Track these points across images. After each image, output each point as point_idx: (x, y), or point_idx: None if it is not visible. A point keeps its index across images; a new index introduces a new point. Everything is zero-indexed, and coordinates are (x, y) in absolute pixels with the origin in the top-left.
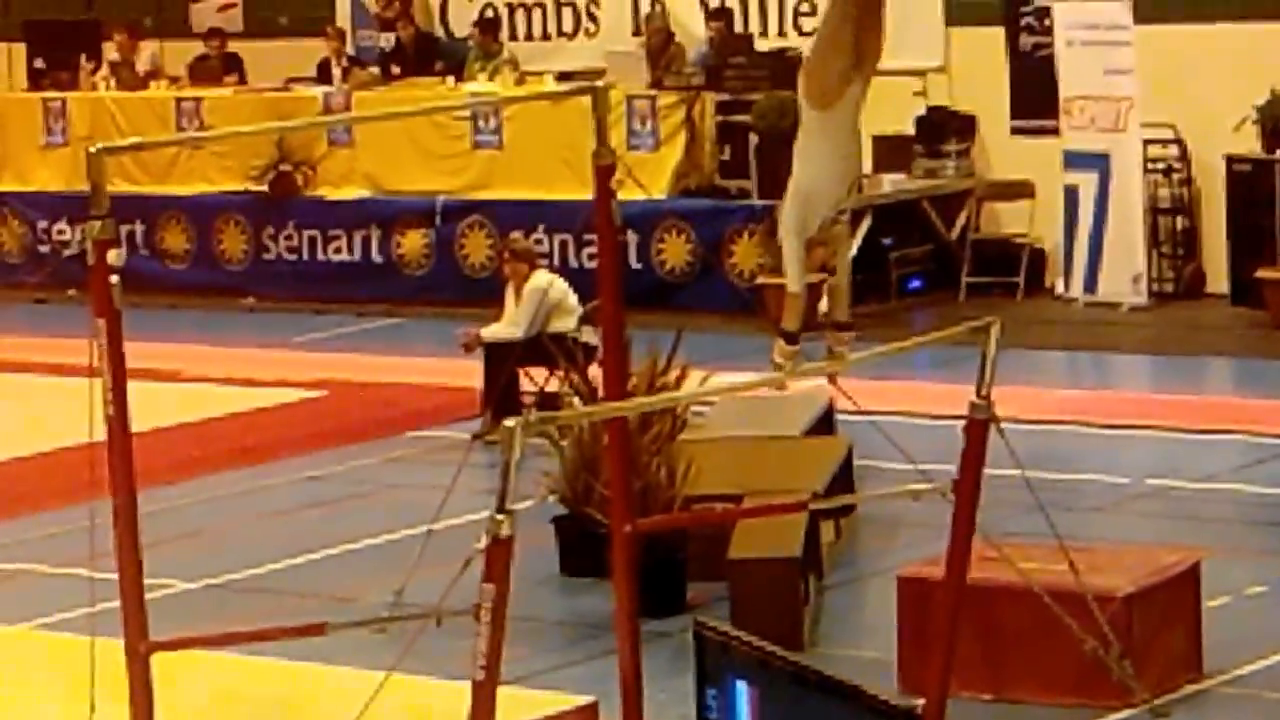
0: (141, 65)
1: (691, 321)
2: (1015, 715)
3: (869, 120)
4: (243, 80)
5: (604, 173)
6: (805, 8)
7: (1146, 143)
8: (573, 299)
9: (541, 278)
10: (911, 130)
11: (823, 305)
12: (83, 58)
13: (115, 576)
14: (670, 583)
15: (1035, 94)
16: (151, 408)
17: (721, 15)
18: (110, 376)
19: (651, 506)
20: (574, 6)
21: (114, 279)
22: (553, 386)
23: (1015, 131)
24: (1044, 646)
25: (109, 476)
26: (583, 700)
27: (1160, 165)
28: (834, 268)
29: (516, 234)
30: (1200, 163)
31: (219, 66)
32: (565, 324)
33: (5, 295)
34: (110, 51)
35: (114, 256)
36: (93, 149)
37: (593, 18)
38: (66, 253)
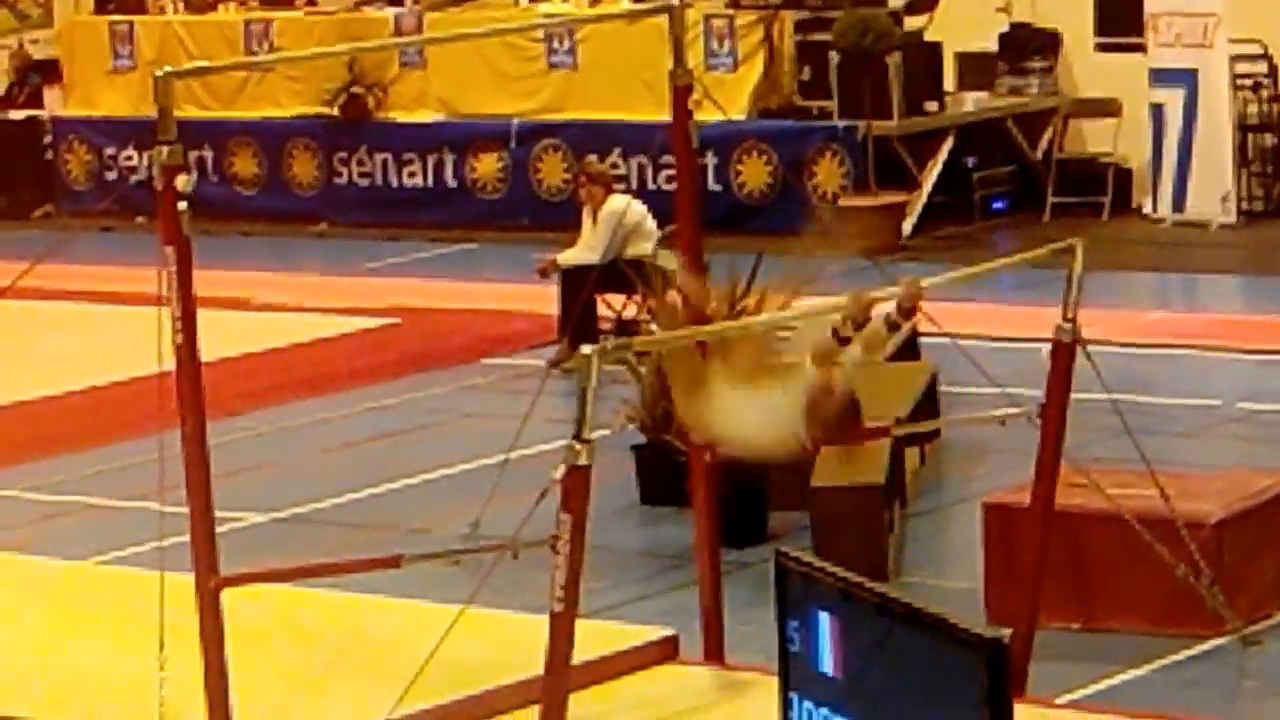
0: None
1: (771, 245)
2: (1104, 644)
3: (954, 38)
4: (311, 1)
5: (682, 94)
6: None
7: (1234, 59)
8: (650, 223)
9: (618, 201)
10: (995, 47)
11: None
12: None
13: (185, 510)
14: (751, 512)
15: (1120, 10)
16: (221, 337)
17: None
18: (179, 305)
19: None
20: None
21: (182, 206)
22: (630, 312)
23: (1100, 48)
24: (1133, 574)
25: (178, 407)
26: (662, 638)
27: (1249, 82)
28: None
29: (592, 157)
30: None
31: None
32: (643, 248)
33: (72, 223)
34: None
35: (182, 183)
36: (160, 73)
37: None
38: (134, 179)
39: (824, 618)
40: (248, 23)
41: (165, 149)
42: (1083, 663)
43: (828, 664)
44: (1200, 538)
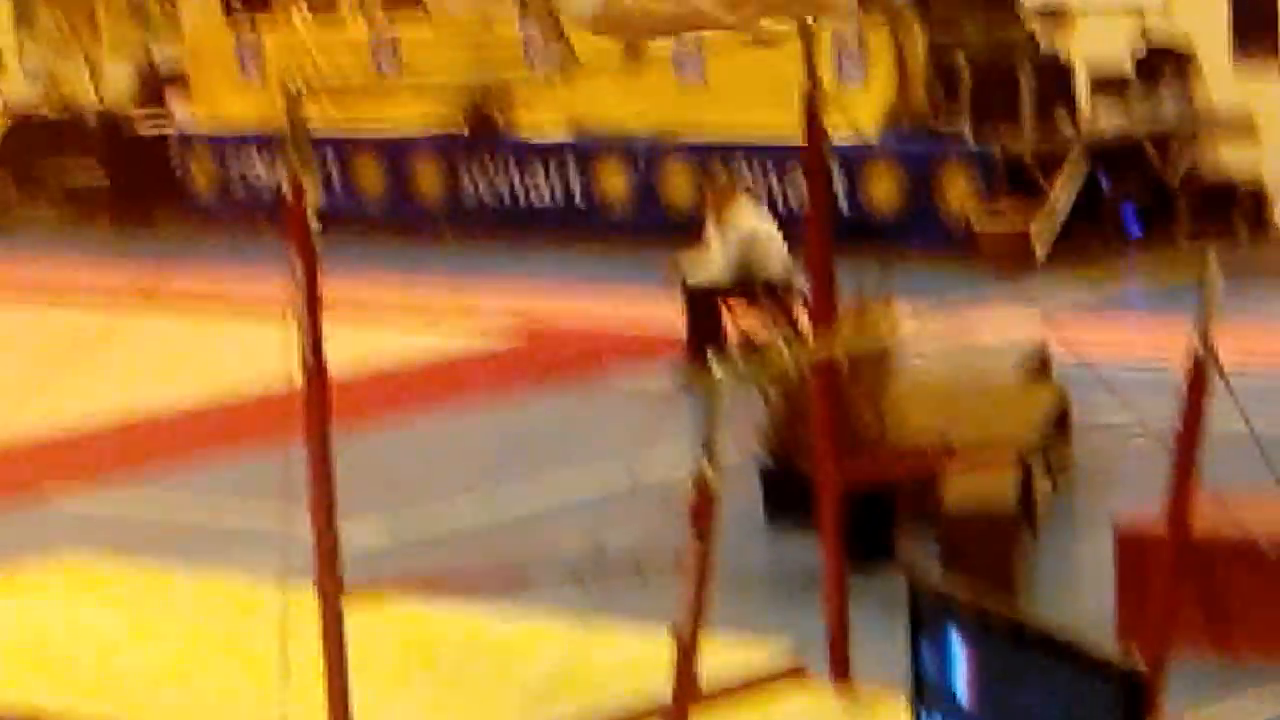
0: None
1: (903, 263)
2: (1241, 678)
3: (1088, 56)
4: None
5: (813, 109)
6: None
7: None
8: (779, 242)
9: (747, 218)
10: (1130, 69)
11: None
12: None
13: (309, 522)
14: (879, 534)
15: (1257, 31)
16: (347, 350)
17: None
18: (306, 318)
19: (861, 456)
20: None
21: (312, 220)
22: (759, 331)
23: (1237, 71)
24: (1271, 605)
25: (304, 420)
26: (789, 657)
27: None
28: None
29: (720, 172)
30: None
31: None
32: (772, 268)
33: (196, 233)
34: None
35: (311, 197)
36: (291, 86)
37: None
38: (262, 189)
39: (957, 639)
40: (375, 39)
41: (294, 163)
42: (1217, 692)
43: (960, 686)
44: None
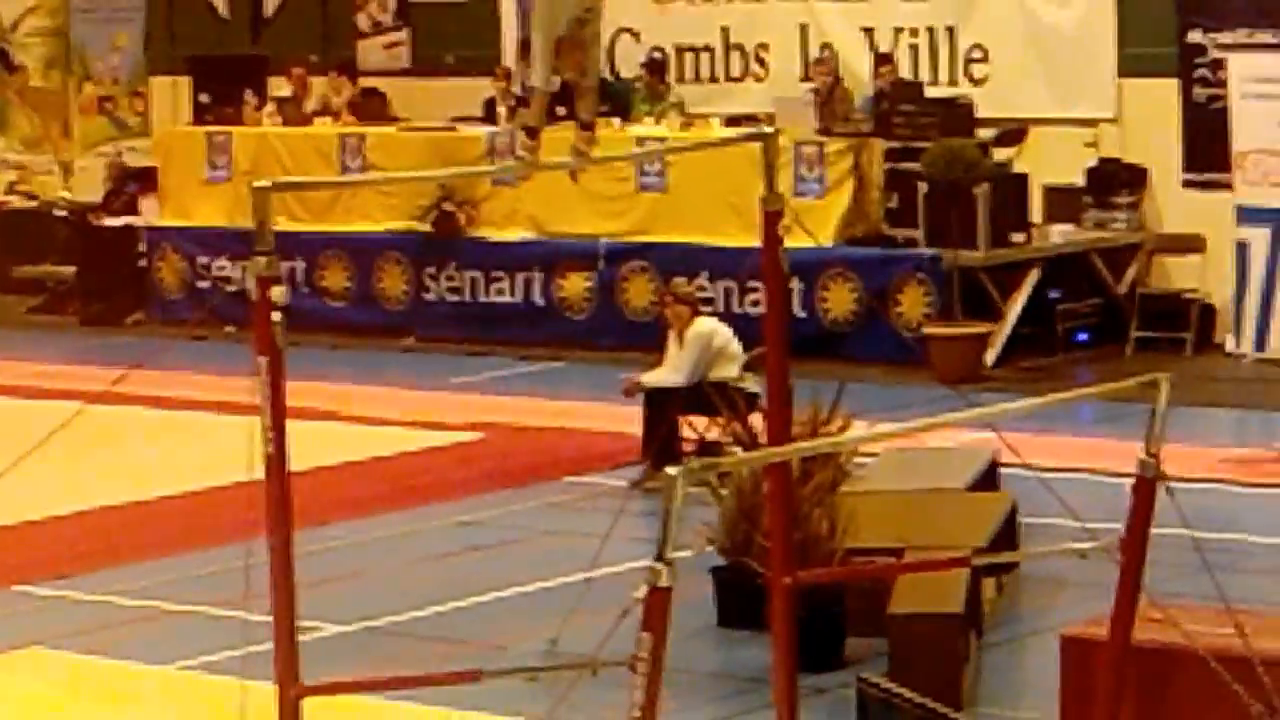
0: (311, 104)
1: (855, 372)
2: None
3: (1042, 171)
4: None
5: (772, 219)
6: (977, 54)
7: None
8: (736, 346)
9: (705, 324)
10: (1082, 181)
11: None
12: (248, 93)
13: (269, 618)
14: (829, 637)
15: (1208, 147)
16: (309, 447)
17: (891, 62)
18: (270, 415)
19: (812, 558)
20: (742, 50)
21: (277, 317)
22: (714, 435)
23: (1187, 185)
24: (1210, 712)
25: (266, 515)
26: None
27: None
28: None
29: (679, 279)
30: None
31: (382, 103)
32: (728, 371)
33: (164, 331)
34: (280, 87)
35: (277, 294)
36: (259, 185)
37: (761, 62)
38: (229, 289)
39: None
40: (342, 137)
41: (261, 260)
42: None
43: None
44: (1278, 677)
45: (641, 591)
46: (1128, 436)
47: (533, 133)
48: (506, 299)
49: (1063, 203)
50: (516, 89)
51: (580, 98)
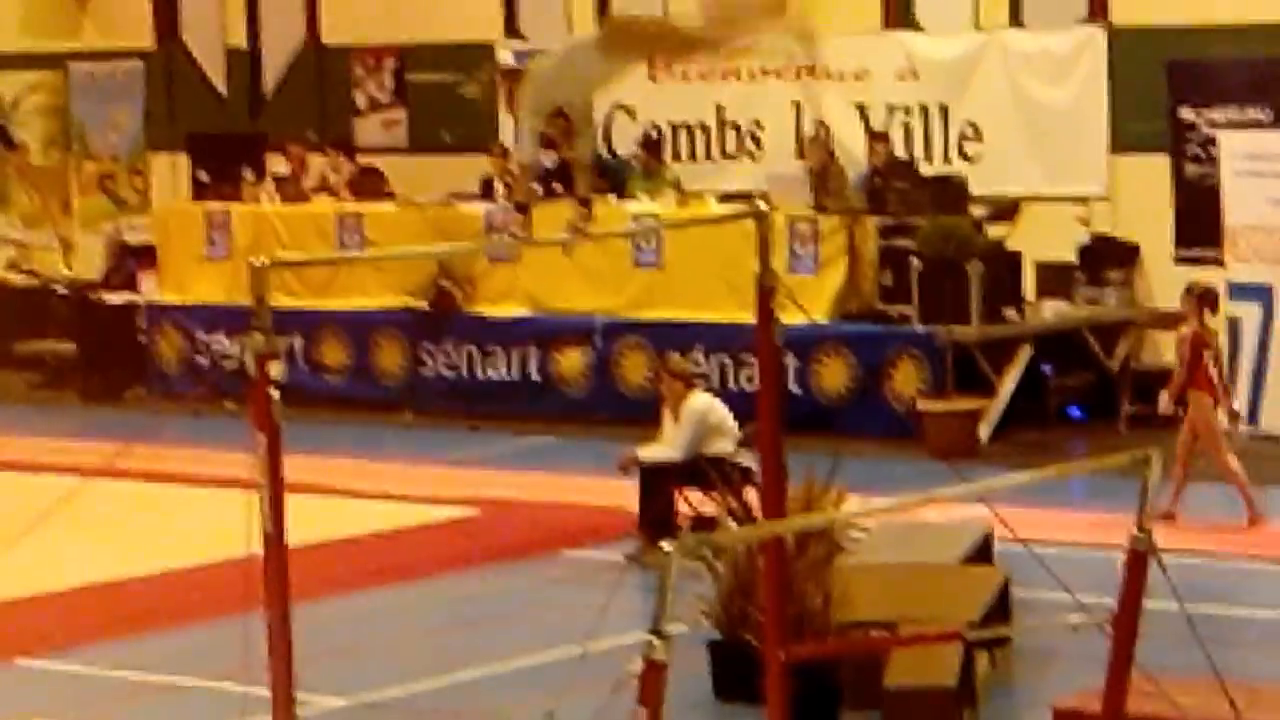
0: (310, 181)
1: (850, 447)
2: None
3: (1033, 247)
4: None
5: (766, 295)
6: (970, 132)
7: None
8: (731, 422)
9: (700, 400)
10: (1074, 258)
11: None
12: (246, 170)
13: (267, 691)
14: (824, 710)
15: (1199, 224)
16: (307, 522)
17: (884, 139)
18: (268, 490)
19: (807, 632)
20: (737, 128)
21: (274, 393)
22: (709, 510)
23: (1179, 261)
24: None
25: (264, 590)
26: None
27: None
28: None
29: (674, 354)
30: None
31: (380, 180)
32: (723, 447)
33: (163, 407)
34: (277, 164)
35: (275, 370)
36: (257, 262)
37: (755, 140)
38: (227, 365)
39: None
40: (340, 215)
41: (259, 337)
42: None
43: None
44: None
45: (637, 665)
46: (1120, 510)
47: (522, 208)
48: (503, 375)
49: (1055, 279)
50: (514, 166)
51: (575, 174)
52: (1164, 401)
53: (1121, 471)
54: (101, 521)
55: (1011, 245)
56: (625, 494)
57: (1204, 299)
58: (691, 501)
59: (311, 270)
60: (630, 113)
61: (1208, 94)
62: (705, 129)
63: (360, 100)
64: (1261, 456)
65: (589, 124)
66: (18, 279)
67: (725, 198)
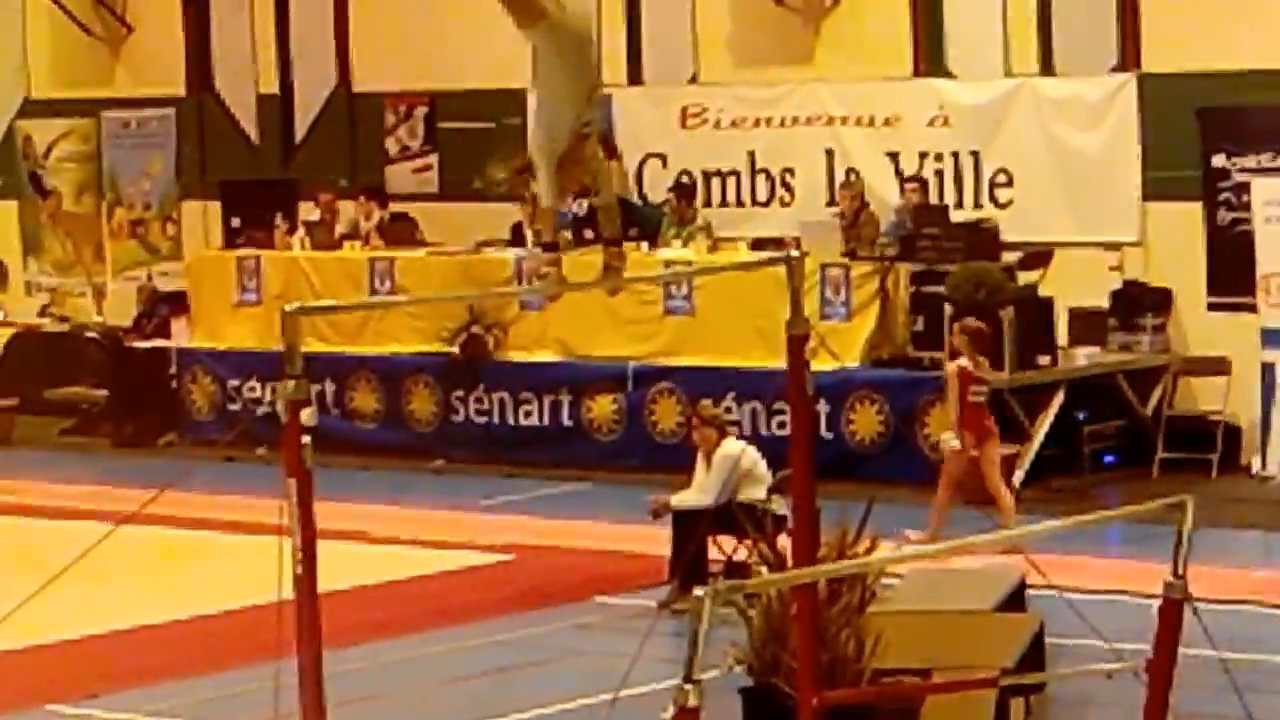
0: (341, 228)
1: (882, 493)
2: None
3: (1066, 294)
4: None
5: (798, 342)
6: (1001, 178)
7: None
8: (763, 468)
9: (732, 446)
10: (1107, 304)
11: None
12: (278, 217)
13: None
14: None
15: (1232, 270)
16: (338, 568)
17: (916, 185)
18: (300, 536)
19: (839, 679)
20: (769, 174)
21: (305, 439)
22: (741, 556)
23: (1212, 307)
24: None
25: (296, 636)
26: None
27: None
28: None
29: (706, 401)
30: None
31: (411, 227)
32: (755, 493)
33: (195, 453)
34: (309, 211)
35: (307, 416)
36: (289, 309)
37: (787, 186)
38: (259, 411)
39: None
40: (372, 261)
41: (291, 383)
42: None
43: None
44: None
45: (670, 712)
46: (1154, 557)
47: (550, 247)
48: (534, 421)
49: (1088, 325)
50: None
51: (599, 217)
52: (948, 437)
53: (1156, 518)
54: (133, 567)
55: (1044, 291)
56: (658, 540)
57: (975, 337)
58: (724, 548)
59: (343, 316)
60: (662, 160)
61: (1239, 140)
62: (737, 175)
63: (391, 147)
64: None
65: (598, 161)
66: (50, 325)
67: (757, 244)
